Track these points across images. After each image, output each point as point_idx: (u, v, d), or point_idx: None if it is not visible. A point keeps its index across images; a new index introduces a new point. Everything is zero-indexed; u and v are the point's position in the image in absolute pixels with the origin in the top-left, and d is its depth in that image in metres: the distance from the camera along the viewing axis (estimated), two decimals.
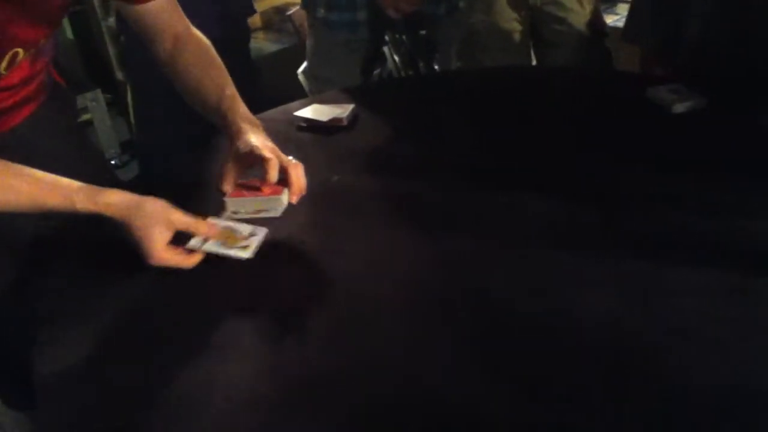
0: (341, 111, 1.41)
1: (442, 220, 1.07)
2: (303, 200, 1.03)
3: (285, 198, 1.02)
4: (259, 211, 1.02)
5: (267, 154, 1.00)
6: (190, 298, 0.95)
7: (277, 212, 1.02)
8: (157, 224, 0.94)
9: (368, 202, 1.15)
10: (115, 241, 1.01)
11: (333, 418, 0.74)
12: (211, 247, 0.97)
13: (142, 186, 1.32)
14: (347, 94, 1.56)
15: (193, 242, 0.97)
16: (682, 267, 0.91)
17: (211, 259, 0.98)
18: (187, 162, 1.37)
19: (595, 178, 1.14)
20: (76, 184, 0.94)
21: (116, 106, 3.24)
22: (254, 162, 1.03)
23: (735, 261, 0.92)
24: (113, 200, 0.94)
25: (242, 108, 1.11)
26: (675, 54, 1.59)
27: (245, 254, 0.96)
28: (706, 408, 0.72)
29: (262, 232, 1.00)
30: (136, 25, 1.17)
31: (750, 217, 1.01)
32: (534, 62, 2.14)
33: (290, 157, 1.03)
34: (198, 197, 1.19)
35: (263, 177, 0.99)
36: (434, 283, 0.94)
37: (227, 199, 1.03)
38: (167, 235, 0.95)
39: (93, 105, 2.97)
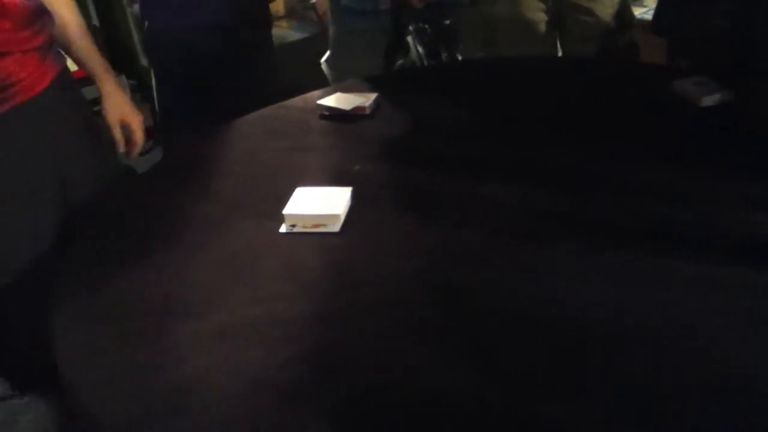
0: (364, 100, 1.40)
1: (461, 211, 1.07)
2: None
3: (343, 214, 1.04)
4: (316, 225, 1.03)
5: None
6: (200, 283, 0.95)
7: (335, 227, 1.03)
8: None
9: (389, 190, 1.15)
10: (135, 223, 1.03)
11: (344, 406, 0.74)
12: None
13: (164, 172, 1.34)
14: (370, 83, 1.56)
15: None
16: (686, 260, 0.90)
17: (227, 240, 0.99)
18: (209, 148, 1.37)
19: (618, 173, 1.13)
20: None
21: (140, 92, 3.25)
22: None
23: (740, 255, 0.90)
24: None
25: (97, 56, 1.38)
26: (702, 47, 1.57)
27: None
28: (698, 402, 0.71)
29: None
30: None
31: (763, 211, 0.99)
32: (560, 53, 2.11)
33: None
34: (219, 183, 1.20)
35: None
36: (449, 274, 0.94)
37: (285, 213, 1.04)
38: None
39: None
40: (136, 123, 1.47)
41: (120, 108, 1.43)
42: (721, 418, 0.69)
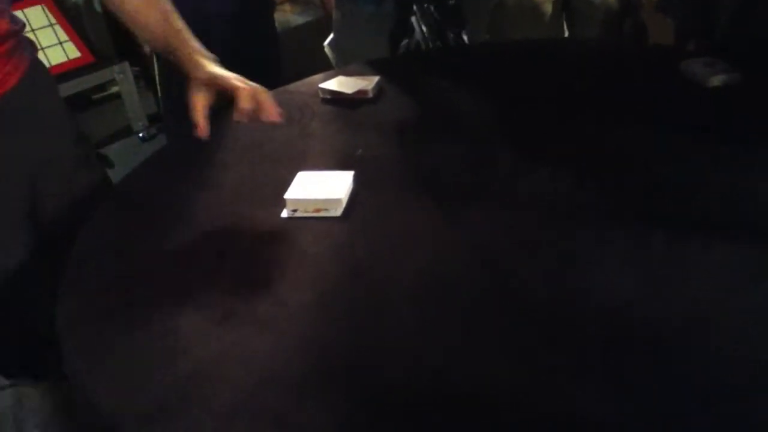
0: (366, 83, 1.39)
1: (464, 196, 1.05)
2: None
3: (345, 198, 1.03)
4: (318, 210, 1.02)
5: (236, 83, 1.07)
6: (204, 271, 0.95)
7: (337, 212, 1.02)
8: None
9: (391, 175, 1.14)
10: (139, 211, 1.02)
11: (348, 399, 0.74)
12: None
13: (167, 157, 1.34)
14: (373, 66, 1.54)
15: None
16: (705, 250, 0.88)
17: (235, 230, 0.99)
18: (212, 133, 1.36)
19: (624, 156, 1.11)
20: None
21: (144, 79, 3.25)
22: (221, 89, 1.10)
23: (759, 245, 0.88)
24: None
25: (193, 41, 1.16)
26: (710, 27, 1.54)
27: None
28: (720, 398, 0.69)
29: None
30: None
31: None
32: (566, 35, 2.09)
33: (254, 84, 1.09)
34: (221, 168, 1.20)
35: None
36: (452, 260, 0.92)
37: (287, 198, 1.03)
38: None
39: (121, 78, 2.99)
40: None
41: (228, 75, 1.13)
42: (723, 419, 0.68)
